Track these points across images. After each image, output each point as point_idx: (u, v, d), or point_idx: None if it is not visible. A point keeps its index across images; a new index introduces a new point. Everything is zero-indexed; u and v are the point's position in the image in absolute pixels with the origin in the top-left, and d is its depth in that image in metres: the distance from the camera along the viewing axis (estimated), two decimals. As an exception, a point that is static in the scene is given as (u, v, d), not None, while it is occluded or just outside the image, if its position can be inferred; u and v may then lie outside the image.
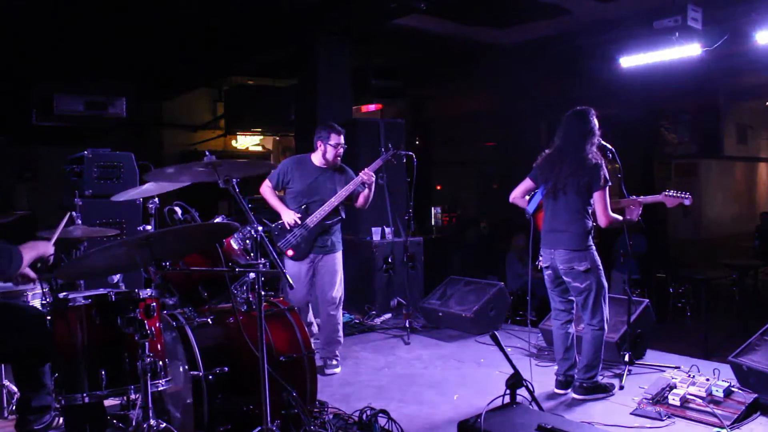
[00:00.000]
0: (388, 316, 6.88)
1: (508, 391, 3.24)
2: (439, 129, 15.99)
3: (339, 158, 5.01)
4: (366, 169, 4.95)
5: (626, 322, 4.82)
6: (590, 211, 4.22)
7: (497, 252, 9.89)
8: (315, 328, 5.40)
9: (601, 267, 4.24)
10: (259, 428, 3.02)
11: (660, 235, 12.38)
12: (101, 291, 3.13)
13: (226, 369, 3.25)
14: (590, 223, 4.22)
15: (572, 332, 4.39)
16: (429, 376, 4.95)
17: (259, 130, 12.67)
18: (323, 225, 4.90)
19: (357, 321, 6.71)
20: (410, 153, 6.68)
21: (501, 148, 12.34)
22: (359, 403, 3.96)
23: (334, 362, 5.07)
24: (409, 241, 6.60)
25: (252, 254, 3.64)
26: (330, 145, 4.93)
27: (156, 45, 8.97)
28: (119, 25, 7.89)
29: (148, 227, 3.89)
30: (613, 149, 4.37)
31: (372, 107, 10.98)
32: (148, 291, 3.05)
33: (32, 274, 3.06)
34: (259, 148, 13.36)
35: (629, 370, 4.66)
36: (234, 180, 3.25)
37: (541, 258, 4.41)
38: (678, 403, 3.86)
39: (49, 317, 3.14)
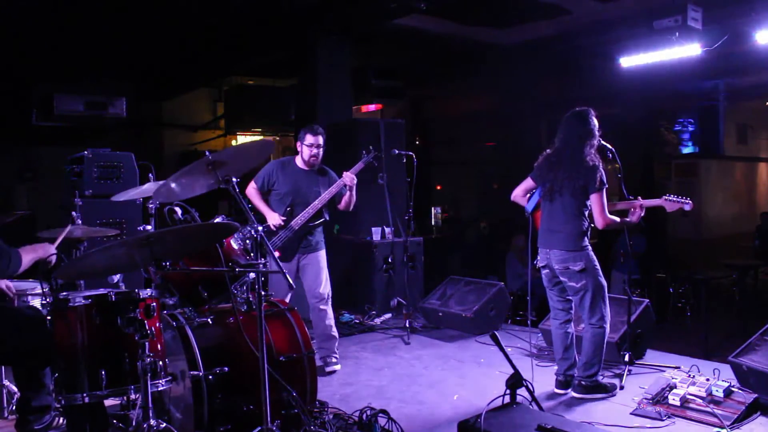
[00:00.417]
0: (388, 316, 6.88)
1: (508, 391, 3.24)
2: (439, 129, 16.00)
3: (315, 158, 5.02)
4: (348, 171, 4.98)
5: (626, 322, 4.82)
6: (586, 212, 4.22)
7: (497, 252, 9.90)
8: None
9: (598, 266, 4.23)
10: (259, 428, 3.02)
11: (660, 235, 12.39)
12: (101, 291, 3.12)
13: (226, 369, 3.25)
14: (586, 224, 4.22)
15: (571, 332, 4.39)
16: (429, 376, 4.94)
17: (259, 130, 12.68)
18: (307, 227, 4.95)
19: (357, 321, 6.71)
20: (410, 153, 6.69)
21: (501, 148, 12.35)
22: (359, 403, 3.96)
23: (334, 359, 5.06)
24: (409, 241, 6.60)
25: (252, 254, 3.64)
26: (305, 145, 4.96)
27: (156, 45, 8.97)
28: (119, 25, 7.89)
29: (148, 227, 3.89)
30: (613, 149, 4.37)
31: (372, 107, 10.98)
32: (148, 291, 3.05)
33: (9, 293, 3.07)
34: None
35: (629, 370, 4.66)
36: (234, 180, 3.25)
37: (538, 257, 4.42)
38: (678, 403, 3.86)
39: (49, 317, 3.14)
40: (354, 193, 5.04)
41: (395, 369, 5.14)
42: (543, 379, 4.50)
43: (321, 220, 5.02)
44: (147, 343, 2.79)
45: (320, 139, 4.98)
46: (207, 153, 3.17)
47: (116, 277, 3.74)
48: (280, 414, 3.29)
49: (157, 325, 3.02)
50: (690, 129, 14.23)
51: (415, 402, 4.34)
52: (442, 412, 4.15)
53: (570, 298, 4.36)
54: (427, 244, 7.59)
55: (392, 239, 7.22)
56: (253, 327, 3.18)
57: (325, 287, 5.05)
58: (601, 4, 7.99)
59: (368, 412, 3.64)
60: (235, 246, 3.72)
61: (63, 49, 8.57)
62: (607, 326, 4.27)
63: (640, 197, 4.46)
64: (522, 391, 3.29)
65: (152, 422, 2.79)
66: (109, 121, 9.67)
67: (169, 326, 3.36)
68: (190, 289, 3.54)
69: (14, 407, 3.70)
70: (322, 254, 5.10)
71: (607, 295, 4.28)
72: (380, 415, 3.63)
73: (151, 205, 3.98)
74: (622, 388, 4.40)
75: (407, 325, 6.13)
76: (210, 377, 3.20)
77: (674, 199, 4.43)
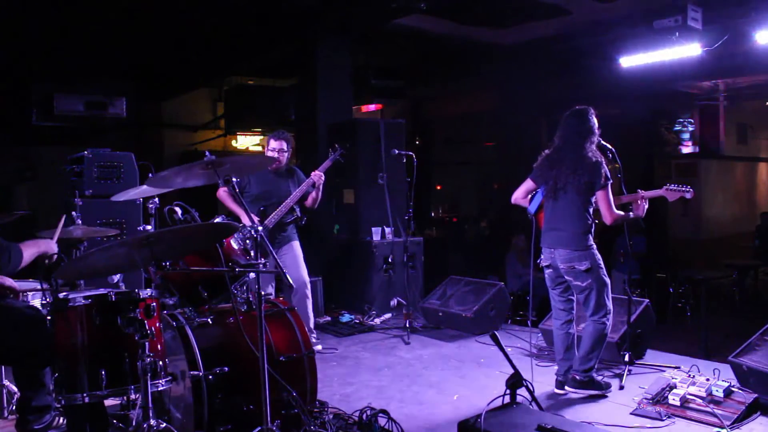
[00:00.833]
0: (388, 316, 6.88)
1: (508, 391, 3.24)
2: (439, 129, 15.99)
3: (279, 163, 5.29)
4: (316, 170, 5.25)
5: (626, 322, 4.82)
6: (591, 210, 4.22)
7: (497, 252, 9.89)
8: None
9: (602, 265, 4.23)
10: (259, 428, 3.02)
11: (660, 235, 12.39)
12: (101, 291, 3.12)
13: (226, 369, 3.25)
14: (590, 222, 4.21)
15: (573, 333, 4.39)
16: (429, 376, 4.94)
17: (259, 130, 12.68)
18: (280, 224, 5.21)
19: (357, 321, 6.71)
20: (410, 153, 6.70)
21: (501, 148, 12.34)
22: (359, 403, 3.96)
23: (314, 339, 5.32)
24: (409, 241, 6.60)
25: (252, 254, 3.65)
26: (269, 150, 5.28)
27: (156, 45, 8.97)
28: (119, 25, 7.90)
29: (148, 227, 3.89)
30: (613, 149, 4.37)
31: (372, 107, 10.99)
32: (148, 291, 3.05)
33: (14, 286, 3.07)
34: (259, 148, 13.38)
35: (629, 370, 4.66)
36: (234, 180, 3.26)
37: (542, 257, 4.41)
38: (678, 403, 3.86)
39: (49, 317, 3.14)
40: (321, 190, 5.34)
41: (395, 369, 5.14)
42: (543, 379, 4.51)
43: (294, 217, 5.28)
44: (147, 343, 2.78)
45: (283, 144, 5.29)
46: (207, 153, 3.17)
47: (116, 277, 3.75)
48: (280, 414, 3.29)
49: (157, 325, 3.02)
50: (690, 129, 14.22)
51: (415, 402, 4.34)
52: (442, 412, 4.15)
53: (572, 298, 4.36)
54: (427, 244, 7.59)
55: (392, 239, 7.23)
56: (253, 327, 3.18)
57: (306, 273, 5.33)
58: (601, 4, 7.99)
59: (368, 412, 3.64)
60: (235, 246, 3.72)
61: (63, 49, 8.57)
62: (609, 322, 4.27)
63: (641, 190, 4.49)
64: (522, 391, 3.29)
65: (152, 422, 2.79)
66: (109, 121, 9.68)
67: (169, 326, 3.36)
68: (190, 289, 3.54)
69: (14, 407, 3.70)
70: (296, 245, 5.41)
71: (610, 292, 4.29)
72: (380, 415, 3.63)
73: (151, 205, 3.99)
74: (622, 388, 4.40)
75: (407, 325, 6.13)
76: (210, 377, 3.21)
77: (675, 188, 4.51)
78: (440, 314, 6.38)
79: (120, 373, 2.90)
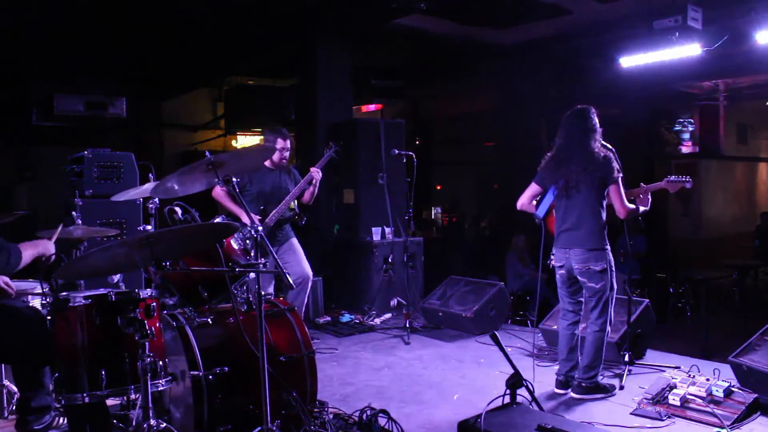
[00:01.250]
0: (388, 316, 6.88)
1: (508, 391, 3.24)
2: (439, 129, 15.99)
3: (285, 160, 5.36)
4: (313, 167, 5.28)
5: (626, 322, 4.82)
6: (605, 205, 4.21)
7: (497, 252, 9.90)
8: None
9: (614, 269, 4.23)
10: (259, 428, 3.02)
11: (660, 235, 12.39)
12: (101, 291, 3.12)
13: (226, 369, 3.25)
14: (605, 220, 4.20)
15: (578, 334, 4.37)
16: (429, 376, 4.94)
17: (259, 130, 12.67)
18: (280, 222, 5.24)
19: (357, 321, 6.71)
20: (410, 153, 6.70)
21: (501, 148, 12.33)
22: (359, 403, 3.96)
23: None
24: (409, 241, 6.60)
25: (252, 254, 3.65)
26: (276, 148, 5.23)
27: (156, 45, 8.97)
28: (119, 25, 7.90)
29: (148, 227, 3.89)
30: (613, 149, 4.37)
31: (372, 107, 10.99)
32: (148, 291, 3.05)
33: (11, 291, 3.08)
34: (257, 142, 13.38)
35: (629, 370, 4.66)
36: (234, 180, 3.26)
37: (553, 257, 4.39)
38: (678, 403, 3.86)
39: (49, 317, 3.14)
40: (317, 186, 5.38)
41: (395, 369, 5.13)
42: (543, 379, 4.50)
43: (291, 214, 5.33)
44: (147, 343, 2.79)
45: (289, 143, 5.37)
46: (207, 153, 3.17)
47: (116, 277, 3.75)
48: (280, 414, 3.29)
49: (157, 325, 3.02)
50: (690, 129, 14.23)
51: (415, 402, 4.34)
52: (442, 412, 4.15)
53: (581, 299, 4.35)
54: (427, 244, 7.60)
55: (392, 239, 7.22)
56: (253, 327, 3.18)
57: (309, 267, 5.38)
58: (601, 4, 7.99)
59: (368, 412, 3.64)
60: (235, 246, 3.72)
61: (63, 49, 8.58)
62: (609, 328, 4.28)
63: (643, 183, 4.53)
64: (522, 391, 3.29)
65: (152, 422, 2.80)
66: (109, 121, 9.69)
67: (169, 326, 3.36)
68: (190, 289, 3.54)
69: (14, 407, 3.70)
70: (296, 241, 5.44)
71: (615, 297, 4.28)
72: (380, 415, 3.63)
73: (151, 205, 3.99)
74: (622, 388, 4.40)
75: (407, 325, 6.13)
76: (210, 377, 3.20)
77: (675, 179, 4.57)
78: (440, 314, 6.38)
79: (120, 373, 2.90)
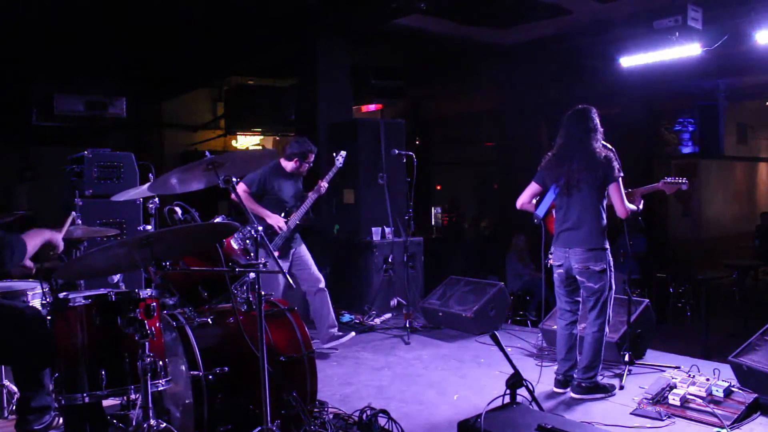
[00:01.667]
0: (388, 316, 6.88)
1: (508, 391, 3.24)
2: (439, 129, 15.99)
3: (306, 172, 5.62)
4: (322, 181, 5.51)
5: (626, 322, 4.82)
6: (605, 205, 4.21)
7: (497, 252, 9.90)
8: None
9: (613, 269, 4.24)
10: (259, 428, 3.02)
11: (660, 235, 12.39)
12: (101, 291, 3.12)
13: (226, 369, 3.25)
14: (605, 220, 4.21)
15: (576, 333, 4.37)
16: (429, 376, 4.94)
17: (259, 130, 12.69)
18: (296, 225, 5.44)
19: (357, 321, 6.71)
20: (410, 153, 6.70)
21: (501, 148, 12.33)
22: (359, 403, 3.96)
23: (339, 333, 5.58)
24: (409, 241, 6.60)
25: (252, 254, 3.65)
26: (306, 163, 5.49)
27: (156, 45, 8.97)
28: (119, 25, 7.89)
29: (148, 227, 3.88)
30: (613, 149, 4.37)
31: (372, 107, 10.99)
32: (148, 291, 3.04)
33: (30, 264, 3.02)
34: (259, 148, 13.37)
35: (629, 370, 4.66)
36: (234, 180, 3.26)
37: (551, 256, 4.39)
38: (678, 403, 3.86)
39: (49, 317, 3.14)
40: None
41: (395, 369, 5.14)
42: (543, 379, 4.51)
43: (307, 217, 5.51)
44: (147, 343, 2.78)
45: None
46: (207, 153, 3.17)
47: (116, 277, 3.75)
48: (280, 414, 3.29)
49: (157, 325, 3.02)
50: (690, 129, 14.22)
51: (415, 402, 4.34)
52: (442, 412, 4.15)
53: (578, 299, 4.35)
54: (427, 244, 7.59)
55: (392, 239, 7.22)
56: (253, 327, 3.18)
57: (318, 270, 5.60)
58: (601, 4, 7.99)
59: (368, 412, 3.64)
60: (235, 246, 3.72)
61: (63, 49, 8.57)
62: (607, 329, 4.28)
63: (636, 187, 4.59)
64: (522, 391, 3.29)
65: (152, 422, 2.79)
66: (109, 121, 9.68)
67: (169, 326, 3.36)
68: (190, 289, 3.54)
69: (14, 407, 3.70)
70: (304, 246, 5.63)
71: (613, 297, 4.29)
72: (380, 415, 3.63)
73: (151, 205, 3.98)
74: (622, 388, 4.40)
75: (407, 325, 6.14)
76: (210, 377, 3.20)
77: (671, 180, 4.62)
78: (440, 314, 6.38)
79: (120, 373, 2.90)
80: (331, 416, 3.86)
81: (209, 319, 3.44)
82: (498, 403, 3.21)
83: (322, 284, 5.54)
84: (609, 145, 4.34)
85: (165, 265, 2.91)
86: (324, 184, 5.50)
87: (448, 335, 6.12)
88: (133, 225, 5.55)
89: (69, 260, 3.41)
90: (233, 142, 13.21)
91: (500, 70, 10.71)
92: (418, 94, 13.74)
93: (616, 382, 4.45)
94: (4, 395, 3.85)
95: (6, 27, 7.53)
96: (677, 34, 7.05)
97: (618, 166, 4.15)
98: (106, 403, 3.29)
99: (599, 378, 4.30)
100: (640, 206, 4.45)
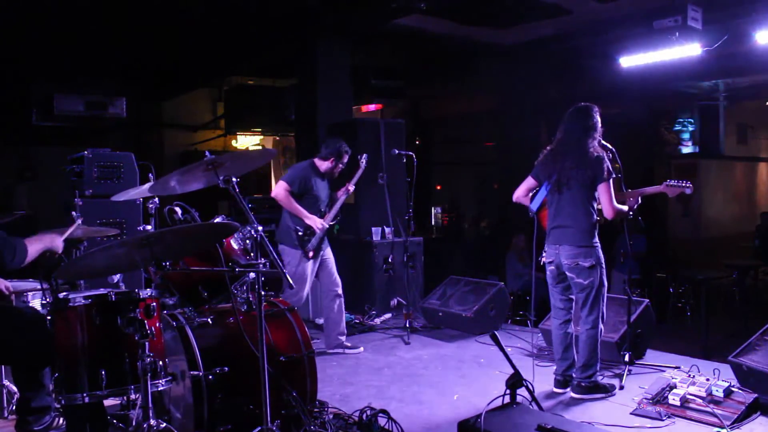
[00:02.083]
0: (388, 316, 6.88)
1: (508, 391, 3.24)
2: (439, 129, 15.98)
3: (336, 173, 5.65)
4: (350, 183, 5.63)
5: (626, 322, 4.82)
6: (595, 205, 4.22)
7: (497, 252, 9.90)
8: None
9: (604, 265, 4.24)
10: (259, 428, 3.02)
11: (660, 235, 12.39)
12: (101, 291, 3.12)
13: (226, 369, 3.25)
14: (595, 219, 4.21)
15: (571, 332, 4.38)
16: (429, 376, 4.94)
17: (259, 130, 12.69)
18: (329, 226, 5.52)
19: (357, 321, 6.71)
20: (410, 153, 6.70)
21: (501, 148, 12.33)
22: (359, 403, 3.96)
23: (348, 343, 5.61)
24: (409, 241, 6.59)
25: (252, 254, 3.64)
26: (341, 164, 5.55)
27: (156, 45, 8.97)
28: (119, 25, 7.89)
29: (148, 227, 3.88)
30: (614, 149, 4.37)
31: (372, 107, 10.99)
32: (148, 291, 3.04)
33: (6, 293, 3.06)
34: (259, 148, 13.37)
35: (629, 370, 4.66)
36: (234, 180, 3.26)
37: (544, 254, 4.40)
38: (678, 403, 3.86)
39: (49, 317, 3.14)
40: None
41: (395, 369, 5.14)
42: (543, 379, 4.50)
43: (338, 220, 5.66)
44: (147, 343, 2.78)
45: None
46: (207, 153, 3.17)
47: (116, 277, 3.74)
48: (280, 414, 3.29)
49: (157, 325, 3.02)
50: (690, 129, 14.23)
51: (415, 402, 4.34)
52: (442, 412, 4.15)
53: (572, 297, 4.36)
54: (427, 244, 7.59)
55: (392, 239, 7.22)
56: (253, 327, 3.18)
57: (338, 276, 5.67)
58: (601, 4, 7.99)
59: (368, 412, 3.64)
60: (235, 246, 3.72)
61: (63, 49, 8.57)
62: (602, 325, 4.28)
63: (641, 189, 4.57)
64: (522, 391, 3.29)
65: (152, 422, 2.79)
66: (109, 121, 9.69)
67: (169, 326, 3.36)
68: (190, 289, 3.54)
69: (14, 407, 3.70)
70: (330, 248, 5.67)
71: (606, 294, 4.29)
72: (380, 415, 3.63)
73: (151, 205, 3.98)
74: (622, 388, 4.40)
75: (407, 325, 6.13)
76: (210, 377, 3.20)
77: (674, 183, 4.55)
78: (440, 314, 6.38)
79: (120, 373, 2.90)
80: (331, 416, 3.86)
81: (209, 319, 3.44)
82: (498, 403, 3.21)
83: (340, 290, 5.58)
84: (609, 145, 4.35)
85: (165, 265, 2.91)
86: (351, 187, 5.62)
87: (448, 335, 6.13)
88: (133, 225, 5.54)
89: (69, 260, 3.41)
90: (233, 142, 13.21)
91: (500, 70, 10.70)
92: (418, 94, 13.74)
93: (616, 382, 4.45)
94: (4, 395, 3.85)
95: (6, 27, 7.53)
96: (677, 34, 7.06)
97: (608, 167, 4.15)
98: (106, 403, 3.28)
99: (599, 378, 4.30)
100: (635, 207, 4.45)
